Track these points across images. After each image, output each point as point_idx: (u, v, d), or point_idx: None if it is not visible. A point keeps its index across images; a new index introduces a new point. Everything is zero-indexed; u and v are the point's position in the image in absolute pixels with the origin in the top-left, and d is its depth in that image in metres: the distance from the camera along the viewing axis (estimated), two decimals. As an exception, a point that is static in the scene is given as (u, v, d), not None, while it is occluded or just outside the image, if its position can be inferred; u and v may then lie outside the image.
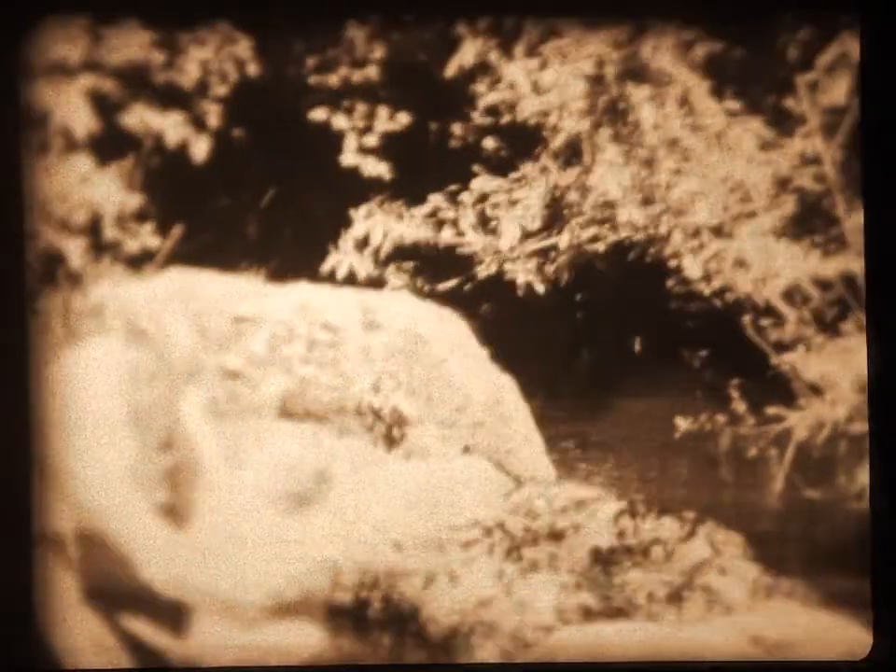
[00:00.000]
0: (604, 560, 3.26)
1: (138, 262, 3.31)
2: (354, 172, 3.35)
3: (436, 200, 3.37)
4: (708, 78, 3.33)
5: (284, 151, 3.32)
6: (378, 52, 3.34)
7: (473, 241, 3.39)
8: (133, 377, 3.29)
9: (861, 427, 3.27)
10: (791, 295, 3.33)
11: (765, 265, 3.33)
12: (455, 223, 3.38)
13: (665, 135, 3.35)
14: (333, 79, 3.34)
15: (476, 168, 3.37)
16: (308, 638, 3.23)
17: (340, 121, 3.36)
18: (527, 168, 3.38)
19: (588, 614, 3.23)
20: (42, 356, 3.22)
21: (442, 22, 3.32)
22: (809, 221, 3.33)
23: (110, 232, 3.29)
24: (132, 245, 3.30)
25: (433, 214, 3.37)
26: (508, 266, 3.38)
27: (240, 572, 3.22)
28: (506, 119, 3.36)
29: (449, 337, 3.38)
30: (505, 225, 3.39)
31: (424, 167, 3.37)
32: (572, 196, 3.38)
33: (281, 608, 3.23)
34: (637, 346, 3.34)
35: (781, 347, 3.32)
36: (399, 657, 3.22)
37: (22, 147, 3.22)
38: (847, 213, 3.29)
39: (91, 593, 3.20)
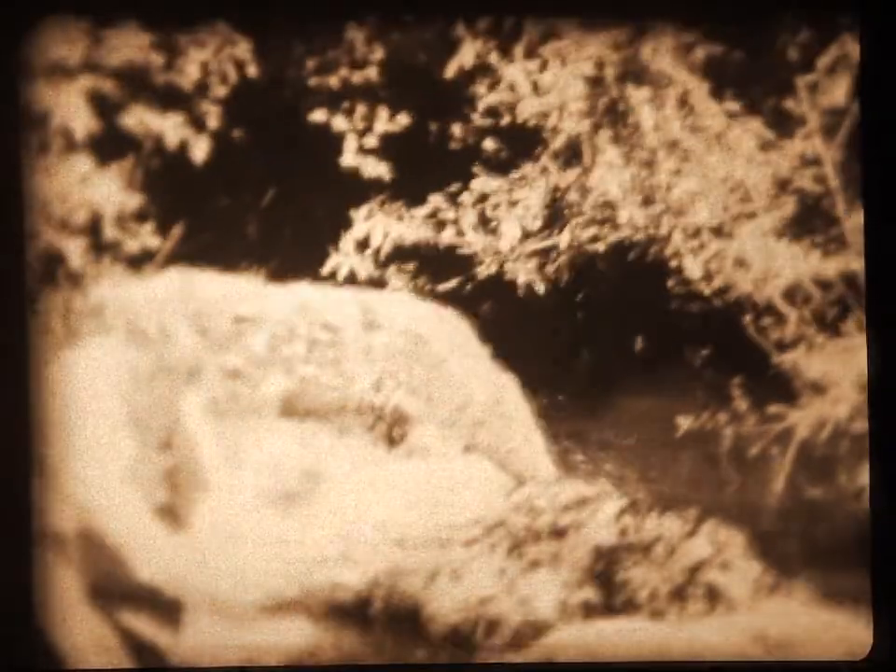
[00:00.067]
0: (606, 558, 3.26)
1: (138, 262, 3.30)
2: (354, 173, 3.35)
3: (436, 200, 3.37)
4: (708, 80, 3.34)
5: (284, 152, 3.32)
6: (378, 53, 3.34)
7: (473, 241, 3.39)
8: (134, 377, 3.28)
9: (862, 425, 3.27)
10: (791, 295, 3.33)
11: (766, 265, 3.33)
12: (455, 223, 3.38)
13: (665, 136, 3.36)
14: (333, 80, 3.35)
15: (476, 169, 3.37)
16: (308, 638, 3.22)
17: (340, 122, 3.36)
18: (527, 169, 3.38)
19: (589, 612, 3.23)
20: (42, 356, 3.21)
21: (442, 23, 3.32)
22: (809, 221, 3.33)
23: (110, 232, 3.29)
24: (132, 246, 3.30)
25: (433, 214, 3.38)
26: (508, 266, 3.38)
27: (240, 572, 3.21)
28: (506, 120, 3.36)
29: (449, 337, 3.38)
30: (505, 225, 3.39)
31: (424, 168, 3.37)
32: (572, 196, 3.38)
33: (281, 607, 3.22)
34: (638, 346, 3.34)
35: (782, 346, 3.32)
36: (399, 656, 3.21)
37: (22, 147, 3.21)
38: (847, 213, 3.30)
39: (91, 592, 3.20)
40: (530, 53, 3.34)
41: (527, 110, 3.36)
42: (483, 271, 3.38)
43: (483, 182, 3.37)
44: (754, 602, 3.26)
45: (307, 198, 3.34)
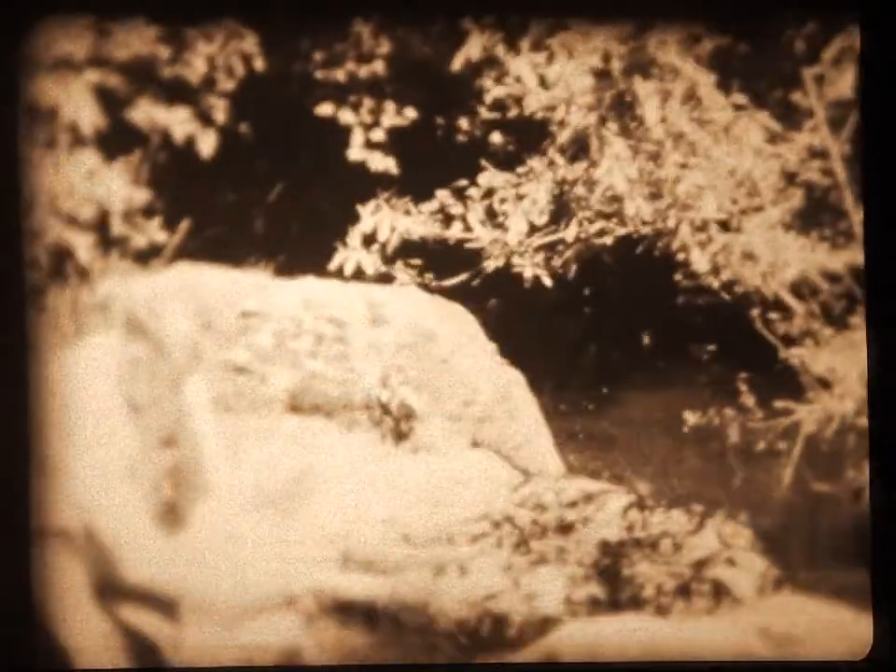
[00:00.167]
0: (612, 553, 3.26)
1: (146, 257, 3.30)
2: (361, 167, 3.35)
3: (443, 195, 3.37)
4: (715, 72, 3.33)
5: (291, 146, 3.32)
6: (384, 47, 3.33)
7: (481, 235, 3.39)
8: (139, 372, 3.28)
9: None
10: (799, 288, 3.32)
11: (773, 258, 3.32)
12: (462, 218, 3.38)
13: (672, 129, 3.35)
14: (340, 74, 3.34)
15: (483, 163, 3.36)
16: (308, 637, 3.22)
17: (347, 116, 3.36)
18: (534, 162, 3.37)
19: (595, 607, 3.23)
20: (42, 354, 3.21)
21: (448, 18, 3.32)
22: (817, 215, 3.32)
23: (118, 228, 3.29)
24: (139, 241, 3.30)
25: (440, 209, 3.37)
26: (515, 260, 3.38)
27: (240, 571, 3.21)
28: (513, 113, 3.36)
29: (457, 332, 3.38)
30: (512, 219, 3.39)
31: (431, 162, 3.36)
32: (579, 190, 3.38)
33: (281, 605, 3.22)
34: (646, 340, 3.33)
35: (789, 341, 3.31)
36: (407, 652, 3.21)
37: (22, 144, 3.21)
38: (855, 206, 3.28)
39: (90, 592, 3.20)
40: (536, 46, 3.33)
41: (534, 103, 3.35)
42: (491, 265, 3.38)
43: (489, 176, 3.37)
44: (760, 597, 3.25)
45: (314, 192, 3.34)
